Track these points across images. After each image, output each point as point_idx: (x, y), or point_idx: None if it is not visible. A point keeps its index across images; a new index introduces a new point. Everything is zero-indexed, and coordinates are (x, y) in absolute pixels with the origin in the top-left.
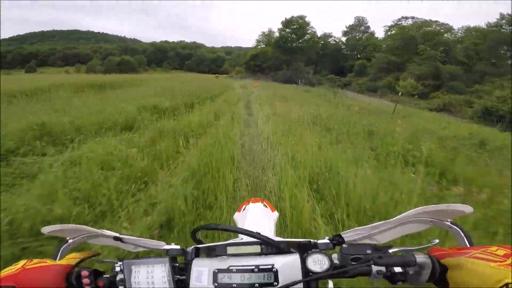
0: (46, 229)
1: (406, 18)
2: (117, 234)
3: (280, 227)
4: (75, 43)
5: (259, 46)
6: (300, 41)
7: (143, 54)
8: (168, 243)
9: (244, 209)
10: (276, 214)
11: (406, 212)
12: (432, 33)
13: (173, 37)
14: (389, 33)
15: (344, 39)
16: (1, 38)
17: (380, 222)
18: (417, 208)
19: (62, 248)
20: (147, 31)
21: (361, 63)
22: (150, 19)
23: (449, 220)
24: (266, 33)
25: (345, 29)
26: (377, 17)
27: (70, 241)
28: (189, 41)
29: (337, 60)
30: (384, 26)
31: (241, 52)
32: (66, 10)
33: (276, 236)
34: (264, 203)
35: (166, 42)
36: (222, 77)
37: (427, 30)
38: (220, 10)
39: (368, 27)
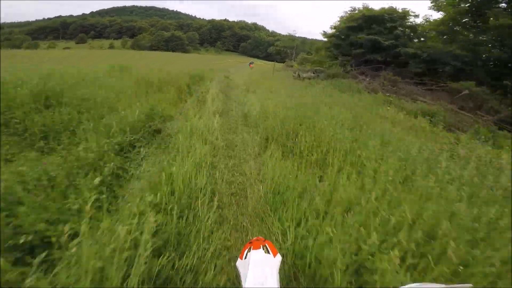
0: None
1: None
2: None
3: None
4: (148, 19)
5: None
6: None
7: (197, 31)
8: None
9: (245, 257)
10: (279, 258)
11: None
12: None
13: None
14: None
15: None
16: (88, 12)
17: None
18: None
19: None
20: (217, 12)
21: None
22: (223, 2)
23: None
24: (352, 11)
25: None
26: None
27: None
28: (249, 22)
29: None
30: None
31: (305, 40)
32: None
33: (280, 282)
34: (266, 245)
35: (226, 20)
36: (264, 67)
37: None
38: None
39: None
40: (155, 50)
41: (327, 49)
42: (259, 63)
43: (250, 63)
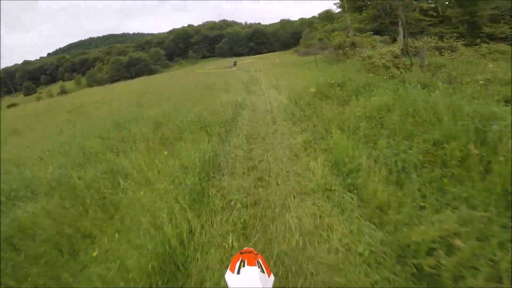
0: None
1: None
2: None
3: None
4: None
5: None
6: None
7: (159, 46)
8: None
9: (238, 272)
10: (272, 279)
11: None
12: None
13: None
14: None
15: None
16: (41, 56)
17: None
18: None
19: None
20: (183, 24)
21: None
22: (187, 13)
23: None
24: None
25: None
26: None
27: None
28: (217, 21)
29: None
30: None
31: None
32: (103, 16)
33: None
34: (260, 261)
35: (190, 26)
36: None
37: None
38: None
39: None
40: (117, 80)
41: None
42: (247, 60)
43: (234, 64)
